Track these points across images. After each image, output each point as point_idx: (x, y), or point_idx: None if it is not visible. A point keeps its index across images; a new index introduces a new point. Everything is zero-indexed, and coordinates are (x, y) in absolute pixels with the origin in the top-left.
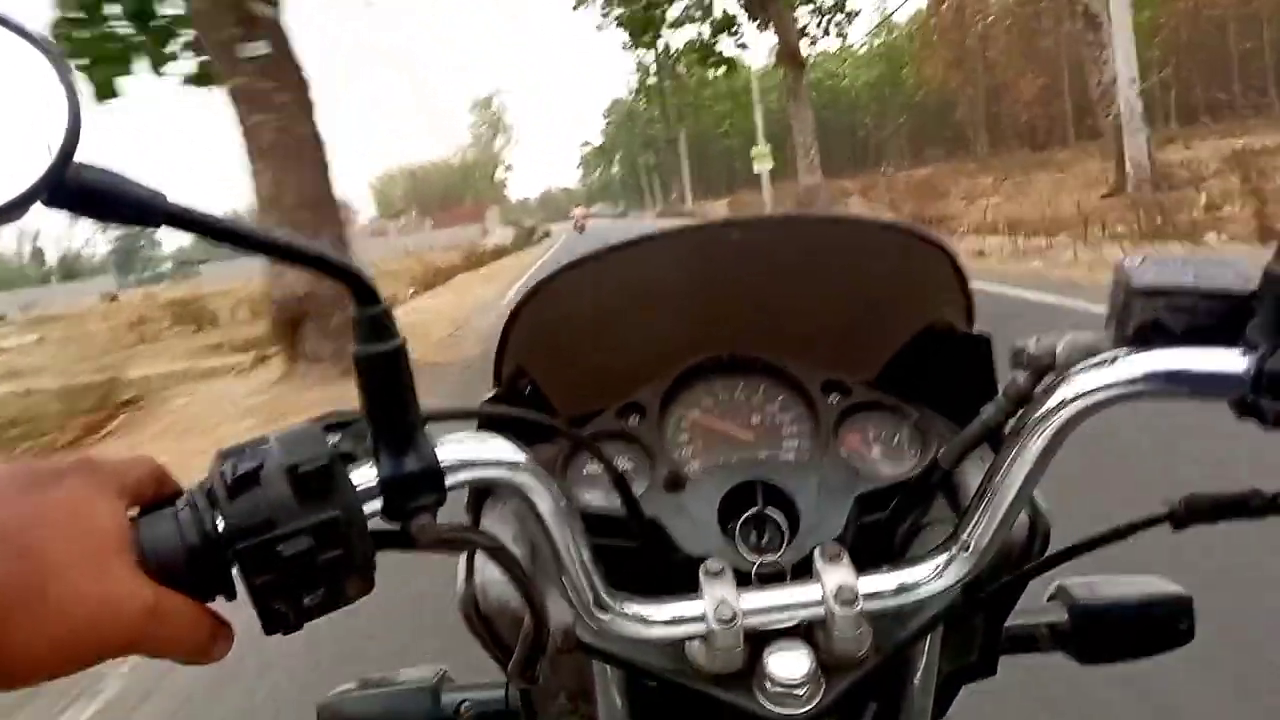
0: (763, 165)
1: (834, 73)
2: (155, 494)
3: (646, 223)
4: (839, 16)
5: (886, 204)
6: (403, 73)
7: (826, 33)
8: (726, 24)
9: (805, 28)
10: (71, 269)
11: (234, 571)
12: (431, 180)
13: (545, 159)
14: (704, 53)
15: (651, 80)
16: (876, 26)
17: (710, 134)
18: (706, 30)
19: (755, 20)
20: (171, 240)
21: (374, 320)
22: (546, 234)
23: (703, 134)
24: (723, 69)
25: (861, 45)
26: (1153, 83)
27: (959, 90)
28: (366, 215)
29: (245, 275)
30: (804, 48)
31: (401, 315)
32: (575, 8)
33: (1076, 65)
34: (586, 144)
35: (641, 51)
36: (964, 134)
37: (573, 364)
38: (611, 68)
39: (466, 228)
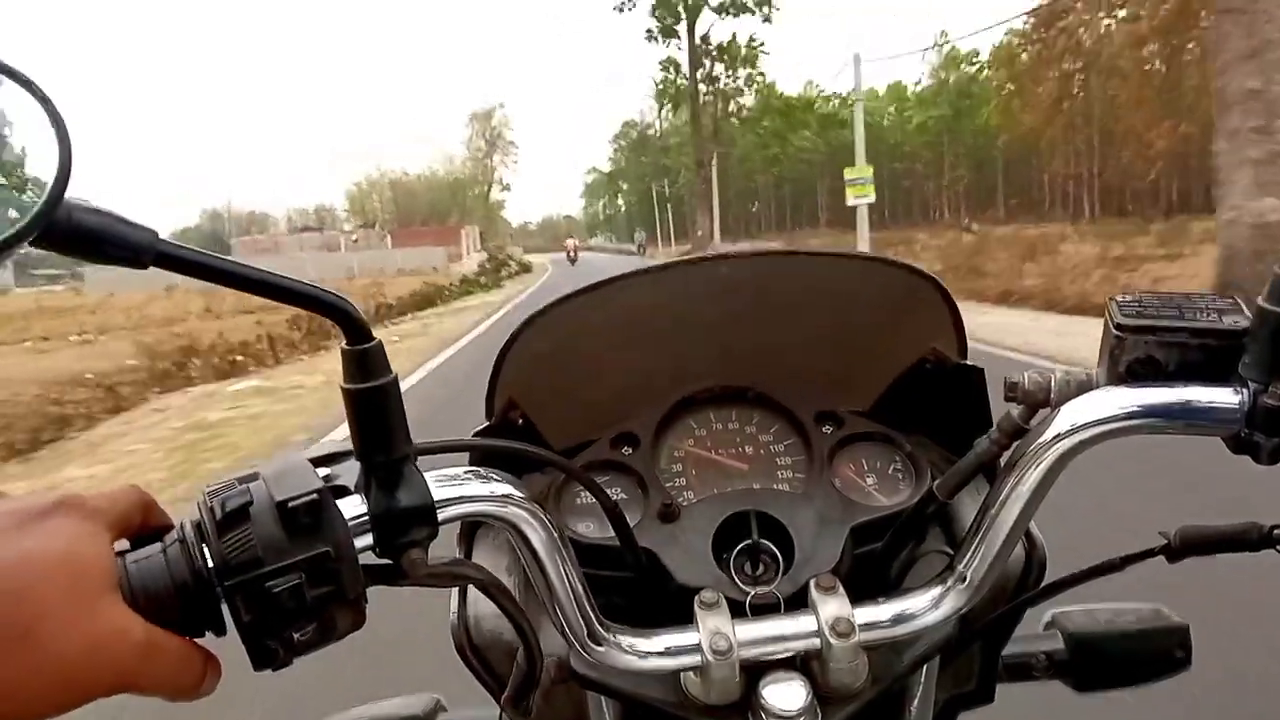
0: (862, 196)
1: (874, 110)
2: (143, 526)
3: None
4: None
5: None
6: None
7: None
8: None
9: None
10: None
11: (223, 608)
12: (416, 192)
13: (548, 182)
14: None
15: (683, 83)
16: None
17: (735, 169)
18: None
19: None
20: None
21: (364, 355)
22: (526, 269)
23: (728, 166)
24: None
25: (916, 82)
26: None
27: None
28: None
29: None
30: None
31: None
32: None
33: None
34: (593, 169)
35: (673, 42)
36: (1031, 191)
37: (565, 396)
38: (621, 92)
39: (433, 249)
